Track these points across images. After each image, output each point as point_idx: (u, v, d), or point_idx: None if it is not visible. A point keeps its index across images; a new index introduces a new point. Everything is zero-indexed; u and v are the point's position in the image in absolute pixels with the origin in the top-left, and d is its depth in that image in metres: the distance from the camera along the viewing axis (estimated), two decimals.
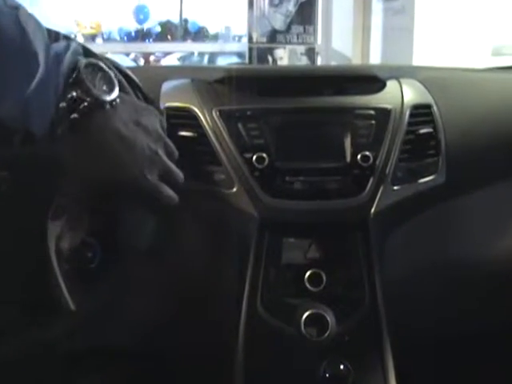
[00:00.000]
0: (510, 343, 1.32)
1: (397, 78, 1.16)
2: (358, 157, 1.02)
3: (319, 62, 3.96)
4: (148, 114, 0.86)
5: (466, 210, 1.14)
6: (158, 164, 0.85)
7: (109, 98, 0.78)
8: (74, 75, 0.76)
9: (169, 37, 6.23)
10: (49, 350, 0.85)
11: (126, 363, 1.25)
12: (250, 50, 3.92)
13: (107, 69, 0.80)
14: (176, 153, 0.91)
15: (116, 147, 0.79)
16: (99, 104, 0.77)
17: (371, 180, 1.02)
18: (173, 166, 0.88)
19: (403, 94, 1.10)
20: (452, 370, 1.33)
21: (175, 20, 6.15)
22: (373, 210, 1.02)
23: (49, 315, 0.80)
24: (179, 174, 0.90)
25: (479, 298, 1.18)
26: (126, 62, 5.13)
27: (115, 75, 0.81)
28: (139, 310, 1.08)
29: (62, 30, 0.81)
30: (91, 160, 0.79)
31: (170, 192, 0.87)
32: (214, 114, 1.04)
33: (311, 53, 3.89)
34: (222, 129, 1.03)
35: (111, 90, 0.79)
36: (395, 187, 1.03)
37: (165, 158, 0.87)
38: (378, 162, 1.02)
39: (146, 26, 6.25)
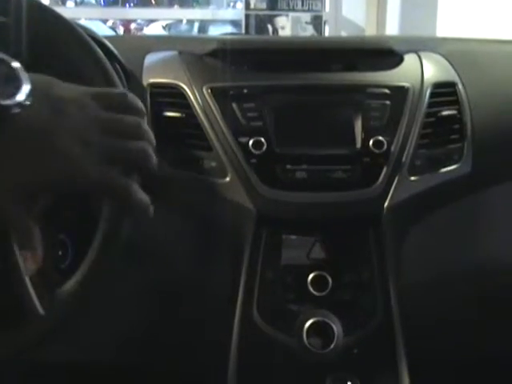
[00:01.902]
0: None
1: (416, 52, 1.17)
2: (370, 142, 1.03)
3: (327, 32, 3.97)
4: (82, 100, 0.81)
5: (496, 205, 1.16)
6: (116, 158, 0.77)
7: (14, 100, 0.70)
8: None
9: (153, 1, 6.24)
10: (13, 360, 0.86)
11: (103, 377, 1.27)
12: (247, 17, 3.93)
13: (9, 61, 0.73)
14: (153, 140, 0.86)
15: (39, 150, 0.73)
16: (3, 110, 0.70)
17: (385, 169, 1.03)
18: (147, 154, 0.84)
19: (423, 71, 1.12)
20: None
21: None
22: (387, 203, 1.03)
23: (14, 320, 0.82)
24: (154, 163, 0.82)
25: (506, 307, 1.19)
26: (102, 31, 5.14)
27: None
28: (118, 315, 1.09)
29: None
30: (17, 170, 0.76)
31: (141, 196, 0.77)
32: (205, 91, 1.05)
33: (318, 21, 3.90)
34: (213, 109, 1.04)
35: (17, 89, 0.71)
36: (413, 178, 1.05)
37: (130, 146, 0.83)
38: (393, 149, 1.03)
39: None
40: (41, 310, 0.82)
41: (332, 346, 0.98)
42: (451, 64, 1.15)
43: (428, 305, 1.13)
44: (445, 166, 1.07)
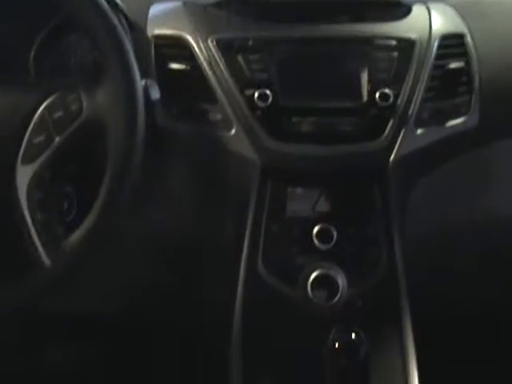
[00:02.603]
0: None
1: (424, 3, 1.16)
2: (377, 95, 1.03)
3: None
4: None
5: (502, 159, 1.16)
6: None
7: None
8: None
9: None
10: (20, 311, 0.88)
11: (108, 331, 1.30)
12: None
13: None
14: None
15: None
16: None
17: (391, 122, 1.03)
18: None
19: (431, 22, 1.11)
20: (477, 348, 1.38)
21: None
22: (392, 156, 1.03)
23: (21, 272, 0.83)
24: None
25: (505, 265, 1.20)
26: None
27: None
28: (124, 267, 1.11)
29: None
30: None
31: None
32: (210, 43, 1.05)
33: None
34: (218, 61, 1.04)
35: None
36: (419, 131, 1.05)
37: None
38: (399, 102, 1.03)
39: None
40: (47, 262, 0.83)
41: (336, 299, 0.99)
42: (460, 15, 1.14)
43: (432, 258, 1.15)
44: (451, 119, 1.07)
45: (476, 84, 1.08)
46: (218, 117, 1.03)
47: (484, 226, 1.18)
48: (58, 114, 0.86)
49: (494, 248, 1.21)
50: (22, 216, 0.83)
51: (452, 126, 1.07)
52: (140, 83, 0.89)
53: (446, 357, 1.31)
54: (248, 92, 1.02)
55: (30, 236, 0.83)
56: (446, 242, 1.17)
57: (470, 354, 1.41)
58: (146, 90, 0.94)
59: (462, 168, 1.13)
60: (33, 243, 0.83)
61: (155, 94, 0.98)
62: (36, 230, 0.83)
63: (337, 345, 0.95)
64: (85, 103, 0.86)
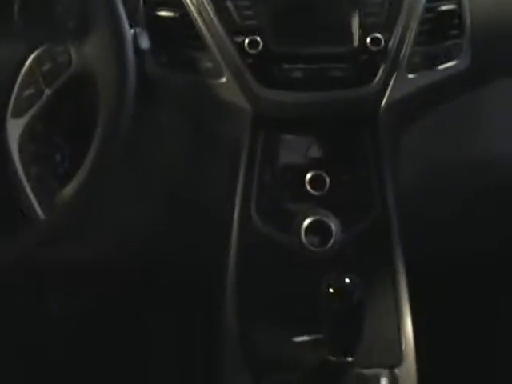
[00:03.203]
0: None
1: None
2: (368, 39, 1.03)
3: None
4: None
5: (493, 103, 1.17)
6: None
7: None
8: None
9: None
10: (16, 263, 0.90)
11: (106, 278, 1.31)
12: None
13: None
14: None
15: None
16: None
17: (383, 67, 1.03)
18: None
19: None
20: (470, 292, 1.40)
21: None
22: (384, 101, 1.04)
23: (15, 225, 0.84)
24: None
25: (502, 203, 1.22)
26: None
27: None
28: (119, 218, 1.12)
29: None
30: None
31: None
32: None
33: None
34: (208, 7, 1.03)
35: None
36: (411, 75, 1.05)
37: None
38: (390, 46, 1.03)
39: None
40: (41, 215, 0.84)
41: (329, 244, 1.02)
42: None
43: (424, 202, 1.17)
44: (443, 63, 1.07)
45: (467, 27, 1.08)
46: (209, 65, 1.03)
47: (478, 167, 1.19)
48: (47, 66, 0.86)
49: (488, 189, 1.23)
50: (15, 170, 0.83)
51: (444, 70, 1.07)
52: (129, 32, 0.89)
53: (439, 301, 1.34)
54: (238, 39, 1.02)
55: (23, 189, 0.84)
56: (439, 185, 1.19)
57: (464, 299, 1.44)
58: (135, 39, 0.94)
59: (454, 110, 1.14)
60: (27, 196, 0.84)
61: (144, 42, 0.97)
62: (29, 184, 0.84)
63: (331, 289, 0.95)
64: (73, 55, 0.86)
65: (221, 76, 1.03)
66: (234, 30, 1.03)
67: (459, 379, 1.39)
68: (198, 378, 1.34)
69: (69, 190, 0.85)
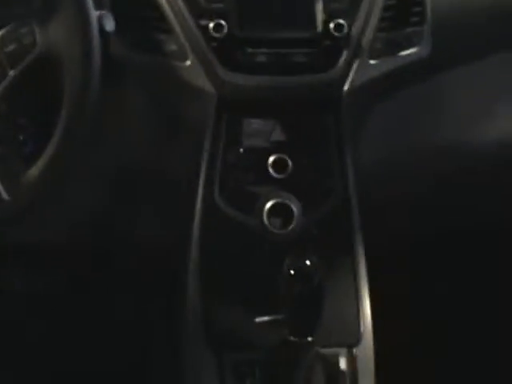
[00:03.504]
0: (502, 241, 1.42)
1: None
2: (331, 25, 1.03)
3: None
4: None
5: (454, 89, 1.20)
6: None
7: None
8: None
9: None
10: None
11: (69, 258, 1.32)
12: None
13: None
14: None
15: None
16: None
17: (345, 52, 1.05)
18: None
19: None
20: (428, 274, 1.44)
21: None
22: (346, 86, 1.06)
23: None
24: None
25: (462, 188, 1.25)
26: None
27: None
28: (82, 199, 1.12)
29: None
30: None
31: None
32: None
33: None
34: None
35: None
36: (373, 61, 1.07)
37: None
38: (353, 32, 1.05)
39: None
40: (5, 195, 0.85)
41: (291, 226, 1.03)
42: None
43: (385, 186, 1.19)
44: (404, 49, 1.09)
45: (428, 14, 1.10)
46: (174, 47, 1.03)
47: (439, 153, 1.22)
48: (11, 47, 0.86)
49: (448, 174, 1.26)
50: None
51: (405, 56, 1.09)
52: (94, 14, 0.89)
53: (397, 282, 1.38)
54: (203, 22, 1.02)
55: None
56: (400, 169, 1.22)
57: (421, 280, 1.48)
58: (100, 21, 0.94)
59: (415, 97, 1.17)
60: None
61: (109, 24, 0.97)
62: None
63: (291, 271, 0.96)
64: (38, 36, 0.86)
65: (185, 59, 1.03)
66: (199, 13, 1.03)
67: (415, 358, 1.44)
68: (161, 357, 1.36)
69: (34, 170, 0.85)
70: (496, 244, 1.47)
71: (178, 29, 1.03)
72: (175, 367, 1.10)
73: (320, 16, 1.04)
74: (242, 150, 1.07)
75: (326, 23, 1.04)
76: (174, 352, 1.10)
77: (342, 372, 1.01)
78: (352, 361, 1.02)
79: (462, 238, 1.43)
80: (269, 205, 1.04)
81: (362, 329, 1.04)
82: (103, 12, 0.96)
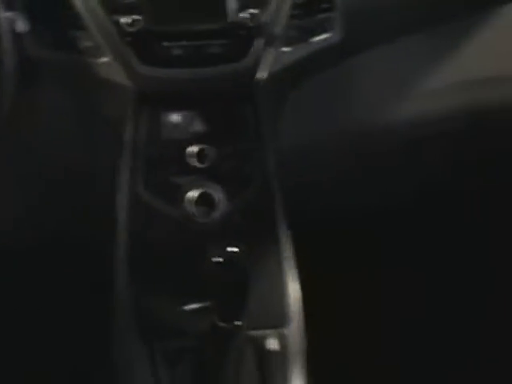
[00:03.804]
0: (414, 218, 1.47)
1: None
2: (244, 15, 1.06)
3: None
4: None
5: (364, 73, 1.23)
6: None
7: None
8: None
9: None
10: None
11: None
12: None
13: None
14: None
15: None
16: None
17: (258, 41, 1.07)
18: None
19: None
20: (354, 251, 1.48)
21: None
22: (260, 74, 1.08)
23: None
24: None
25: (380, 168, 1.29)
26: None
27: None
28: (3, 201, 1.12)
29: None
30: None
31: None
32: None
33: None
34: None
35: None
36: (285, 48, 1.09)
37: None
38: (265, 21, 1.07)
39: None
40: None
41: (215, 214, 1.05)
42: None
43: (306, 170, 1.22)
44: (316, 36, 1.12)
45: (338, 1, 1.13)
46: (89, 44, 1.04)
47: (354, 137, 1.26)
48: None
49: (365, 158, 1.30)
50: None
51: (317, 42, 1.12)
52: (5, 16, 0.89)
53: (324, 263, 1.41)
54: (117, 18, 1.03)
55: None
56: (319, 152, 1.25)
57: (346, 261, 1.53)
58: (11, 22, 0.94)
59: (330, 83, 1.20)
60: None
61: (22, 25, 0.97)
62: None
63: (217, 258, 0.98)
64: None
65: (102, 55, 1.04)
66: (113, 9, 1.03)
67: (345, 337, 1.48)
68: (91, 347, 1.37)
69: None
70: (412, 221, 1.53)
71: (91, 25, 1.03)
72: (107, 360, 1.12)
73: (232, 6, 1.06)
74: (163, 142, 1.08)
75: (238, 13, 1.06)
76: (104, 345, 1.11)
77: (272, 352, 1.03)
78: (282, 341, 1.04)
79: (381, 216, 1.48)
80: (191, 194, 1.05)
81: (290, 310, 1.07)
82: (14, 13, 0.97)
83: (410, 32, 1.24)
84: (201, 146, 1.07)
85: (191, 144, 1.08)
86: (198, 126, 1.09)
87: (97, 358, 1.26)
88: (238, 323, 0.97)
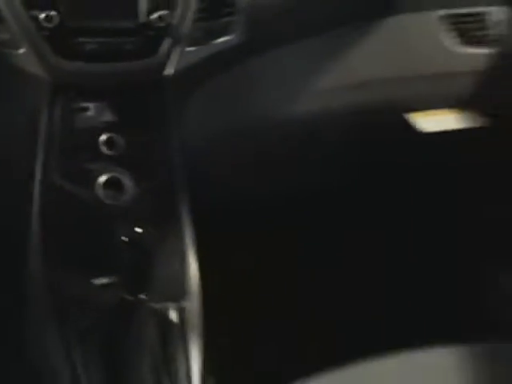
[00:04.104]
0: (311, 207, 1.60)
1: None
2: (154, 16, 1.13)
3: None
4: None
5: (265, 71, 1.34)
6: None
7: None
8: None
9: None
10: None
11: None
12: None
13: None
14: None
15: None
16: None
17: (166, 41, 1.15)
18: None
19: None
20: (250, 235, 1.60)
21: None
22: (167, 71, 1.17)
23: None
24: None
25: (277, 162, 1.41)
26: None
27: None
28: None
29: None
30: None
31: None
32: None
33: None
34: None
35: None
36: (190, 48, 1.18)
37: None
38: (173, 22, 1.15)
39: None
40: None
41: (124, 198, 1.13)
42: None
43: (210, 160, 1.33)
44: (219, 37, 1.21)
45: (240, 5, 1.22)
46: (6, 36, 1.08)
47: (253, 131, 1.37)
48: None
49: (265, 147, 1.42)
50: None
51: (220, 43, 1.21)
52: None
53: (222, 242, 1.51)
54: (34, 13, 1.08)
55: None
56: (222, 145, 1.36)
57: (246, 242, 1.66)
58: None
59: (230, 80, 1.30)
60: None
61: None
62: None
63: (125, 239, 1.05)
64: None
65: (19, 47, 1.09)
66: (30, 4, 1.08)
67: (240, 307, 1.61)
68: (7, 327, 1.39)
69: None
70: (300, 205, 1.67)
71: (9, 18, 1.07)
72: (22, 342, 1.16)
73: (144, 8, 1.13)
74: (76, 131, 1.14)
75: (149, 14, 1.13)
76: (19, 323, 1.16)
77: (172, 323, 1.10)
78: (181, 312, 1.11)
79: (285, 199, 1.60)
80: (102, 179, 1.12)
81: (189, 286, 1.14)
82: None
83: (306, 36, 1.35)
84: (111, 135, 1.14)
85: (102, 132, 1.14)
86: (109, 117, 1.16)
87: (10, 343, 1.30)
88: (143, 296, 1.06)
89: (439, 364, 0.95)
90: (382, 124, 1.51)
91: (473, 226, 1.82)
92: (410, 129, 1.52)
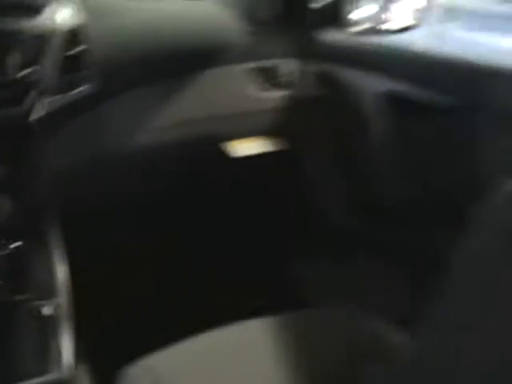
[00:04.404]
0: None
1: (56, 2, 1.39)
2: (23, 72, 1.30)
3: None
4: None
5: (115, 113, 1.60)
6: None
7: None
8: None
9: None
10: None
11: None
12: None
13: None
14: None
15: None
16: None
17: (33, 93, 1.33)
18: None
19: (60, 18, 1.37)
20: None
21: None
22: (33, 117, 1.35)
23: None
24: None
25: (125, 187, 1.71)
26: None
27: None
28: None
29: None
30: None
31: None
32: None
33: None
34: None
35: None
36: (52, 98, 1.37)
37: None
38: (39, 77, 1.32)
39: None
40: None
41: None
42: (81, 12, 1.42)
43: (74, 183, 1.55)
44: (76, 88, 1.42)
45: (92, 62, 1.43)
46: None
47: (106, 160, 1.61)
48: None
49: (114, 176, 1.69)
50: None
51: (76, 93, 1.42)
52: None
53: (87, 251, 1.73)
54: None
55: None
56: (84, 173, 1.58)
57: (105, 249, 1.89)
58: None
59: (89, 121, 1.54)
60: None
61: None
62: None
63: (2, 252, 1.25)
64: None
65: None
66: None
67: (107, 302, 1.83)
68: None
69: None
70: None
71: None
72: None
73: (16, 66, 1.30)
74: None
75: (19, 71, 1.30)
76: None
77: (47, 317, 1.25)
78: (55, 308, 1.26)
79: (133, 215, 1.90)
80: None
81: (58, 285, 1.30)
82: None
83: (146, 84, 1.63)
84: None
85: None
86: None
87: None
88: (21, 297, 1.24)
89: (253, 336, 1.17)
90: (204, 153, 1.83)
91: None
92: (226, 155, 1.84)
